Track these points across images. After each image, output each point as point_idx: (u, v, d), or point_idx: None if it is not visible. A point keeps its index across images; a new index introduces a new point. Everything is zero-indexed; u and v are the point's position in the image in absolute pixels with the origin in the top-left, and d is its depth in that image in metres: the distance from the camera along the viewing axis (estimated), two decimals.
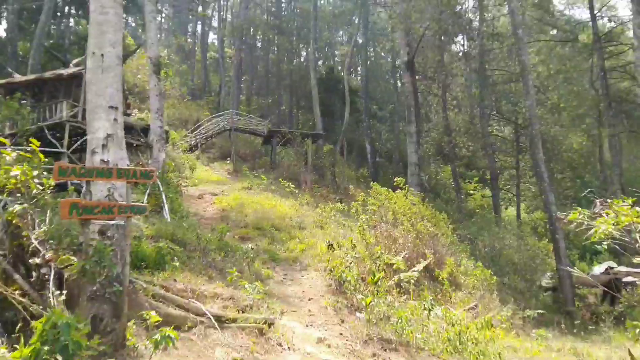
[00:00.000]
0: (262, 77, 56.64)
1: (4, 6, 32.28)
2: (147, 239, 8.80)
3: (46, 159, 7.43)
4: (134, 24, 49.50)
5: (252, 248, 10.53)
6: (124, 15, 46.22)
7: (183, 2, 57.05)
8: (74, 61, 23.24)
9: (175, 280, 7.32)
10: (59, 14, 41.09)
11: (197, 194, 20.76)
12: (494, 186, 32.22)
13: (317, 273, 11.41)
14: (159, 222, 10.20)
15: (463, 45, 39.31)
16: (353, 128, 44.99)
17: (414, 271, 12.36)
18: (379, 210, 15.35)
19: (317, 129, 36.53)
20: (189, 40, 62.71)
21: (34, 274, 6.16)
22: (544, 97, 33.67)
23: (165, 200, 11.36)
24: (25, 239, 6.45)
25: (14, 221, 6.54)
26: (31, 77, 21.18)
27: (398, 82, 49.17)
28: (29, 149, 7.36)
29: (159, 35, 63.99)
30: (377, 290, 9.16)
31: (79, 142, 16.80)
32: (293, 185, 22.45)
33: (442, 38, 29.28)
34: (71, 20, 44.68)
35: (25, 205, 6.66)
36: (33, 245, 6.37)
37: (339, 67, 52.53)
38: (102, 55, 6.61)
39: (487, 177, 39.57)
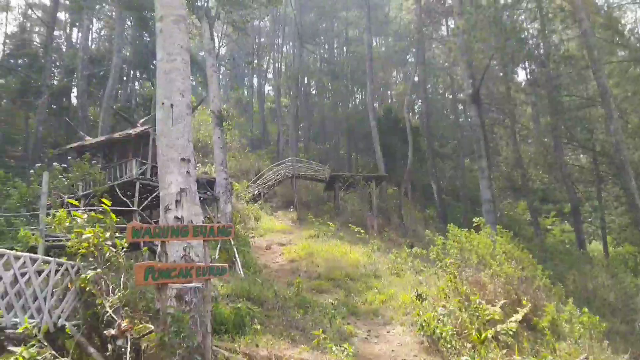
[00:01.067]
0: (318, 124, 57.05)
1: (74, 74, 34.28)
2: (223, 299, 8.24)
3: (118, 218, 7.13)
4: (194, 83, 51.35)
5: (332, 303, 9.74)
6: None
7: (240, 56, 59.12)
8: (141, 121, 23.94)
9: (257, 346, 6.64)
10: (124, 78, 43.35)
11: (264, 244, 20.35)
12: (576, 220, 29.95)
13: (404, 328, 10.44)
14: (233, 279, 9.66)
15: (529, 73, 38.04)
16: (415, 167, 43.95)
17: (512, 322, 11.14)
18: (461, 254, 14.23)
19: (380, 171, 35.76)
20: (246, 93, 64.68)
21: (109, 346, 5.66)
22: (622, 121, 31.53)
23: (237, 255, 10.84)
24: (99, 307, 6.02)
25: (87, 288, 6.15)
26: (101, 138, 21.86)
27: (460, 117, 48.04)
28: (100, 209, 7.06)
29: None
30: (477, 348, 8.08)
31: (148, 199, 16.85)
32: (363, 231, 21.71)
33: (508, 67, 28.12)
34: (136, 83, 47.08)
35: (99, 270, 6.27)
36: (108, 314, 5.92)
37: (397, 107, 52.09)
38: (172, 105, 6.28)
39: (564, 210, 37.13)
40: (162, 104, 6.32)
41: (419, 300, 10.72)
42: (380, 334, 10.13)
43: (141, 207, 16.46)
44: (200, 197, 20.34)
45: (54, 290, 5.97)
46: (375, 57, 49.07)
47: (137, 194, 16.43)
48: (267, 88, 67.12)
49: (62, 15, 43.85)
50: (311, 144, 53.17)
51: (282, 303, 8.91)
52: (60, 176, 14.62)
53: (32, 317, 5.62)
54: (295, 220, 29.05)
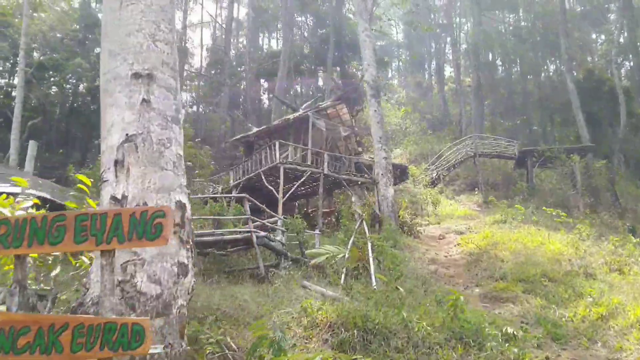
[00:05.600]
0: (505, 99, 49.60)
1: (242, 67, 35.23)
2: (320, 332, 4.72)
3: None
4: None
5: (513, 334, 5.45)
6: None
7: (417, 38, 55.11)
8: (303, 106, 21.97)
9: None
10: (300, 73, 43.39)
11: (438, 233, 16.26)
12: None
13: None
14: (354, 292, 6.03)
15: None
16: (627, 136, 34.56)
17: None
18: None
19: (583, 142, 28.34)
20: (426, 77, 60.13)
21: None
22: None
23: (370, 256, 7.15)
24: None
25: None
26: (262, 128, 20.43)
27: None
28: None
29: (396, 78, 63.30)
30: None
31: (295, 187, 14.20)
32: (564, 214, 16.14)
33: None
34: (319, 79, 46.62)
35: None
36: None
37: (599, 69, 42.13)
38: None
39: None
40: None
41: None
42: None
43: (287, 197, 13.82)
44: (357, 182, 17.16)
45: None
46: (569, 18, 40.33)
47: (281, 180, 13.72)
48: (448, 70, 61.22)
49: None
50: (497, 121, 46.32)
51: (422, 336, 5.03)
52: None
53: None
54: (481, 203, 24.12)
